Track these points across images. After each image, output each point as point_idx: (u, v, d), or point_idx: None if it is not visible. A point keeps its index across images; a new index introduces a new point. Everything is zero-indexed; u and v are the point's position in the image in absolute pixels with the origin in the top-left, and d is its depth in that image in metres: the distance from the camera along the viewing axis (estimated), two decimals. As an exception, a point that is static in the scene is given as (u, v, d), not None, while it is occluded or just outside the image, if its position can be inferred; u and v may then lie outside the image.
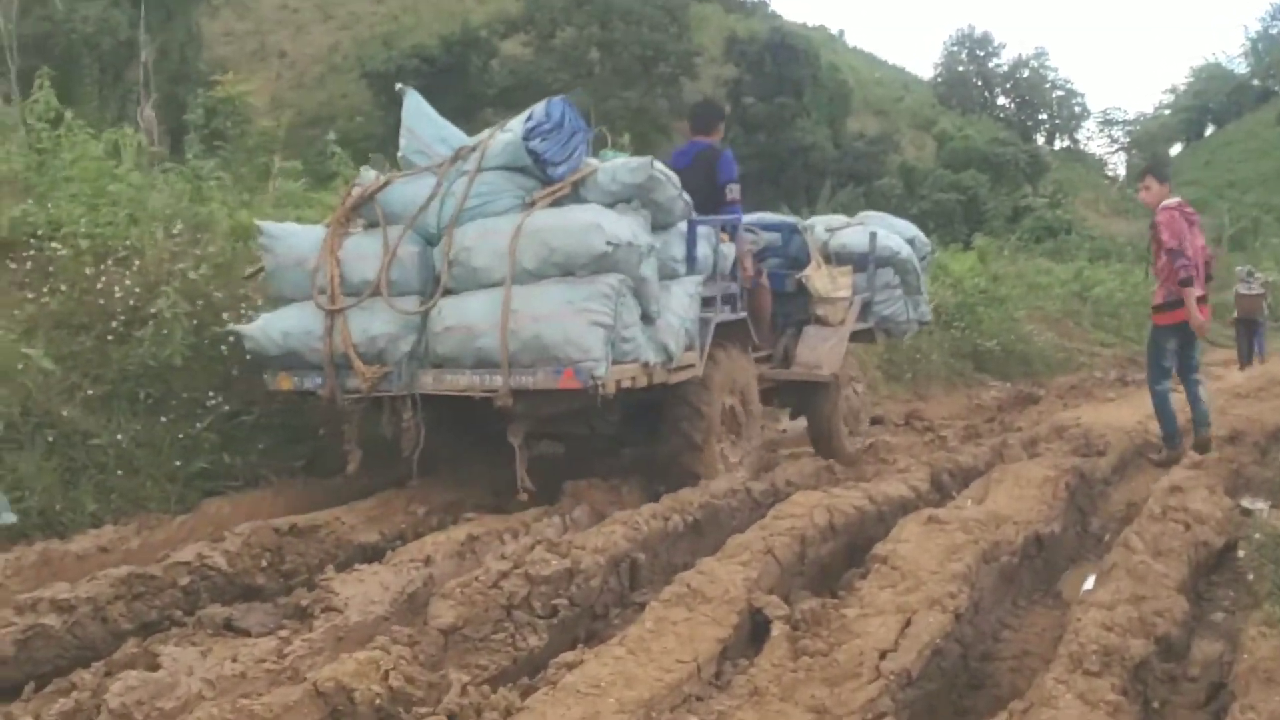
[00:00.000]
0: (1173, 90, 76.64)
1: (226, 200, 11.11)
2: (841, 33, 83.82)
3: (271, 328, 8.31)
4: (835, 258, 11.43)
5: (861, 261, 11.52)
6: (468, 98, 46.89)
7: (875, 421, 13.10)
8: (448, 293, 7.94)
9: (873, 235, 11.62)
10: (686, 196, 8.57)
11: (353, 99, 49.17)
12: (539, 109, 8.31)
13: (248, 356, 8.42)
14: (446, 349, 7.87)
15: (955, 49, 72.46)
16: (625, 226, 7.81)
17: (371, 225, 8.37)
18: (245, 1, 57.00)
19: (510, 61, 48.49)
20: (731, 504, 7.84)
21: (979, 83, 71.46)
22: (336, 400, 8.17)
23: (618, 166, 8.17)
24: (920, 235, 12.73)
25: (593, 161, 8.40)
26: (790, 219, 11.95)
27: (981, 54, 72.37)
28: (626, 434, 9.54)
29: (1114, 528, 8.21)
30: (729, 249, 9.42)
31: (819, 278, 11.00)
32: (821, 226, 12.00)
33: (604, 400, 7.84)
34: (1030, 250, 39.62)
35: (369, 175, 8.79)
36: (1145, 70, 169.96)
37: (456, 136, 8.84)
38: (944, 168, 49.29)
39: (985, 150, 50.10)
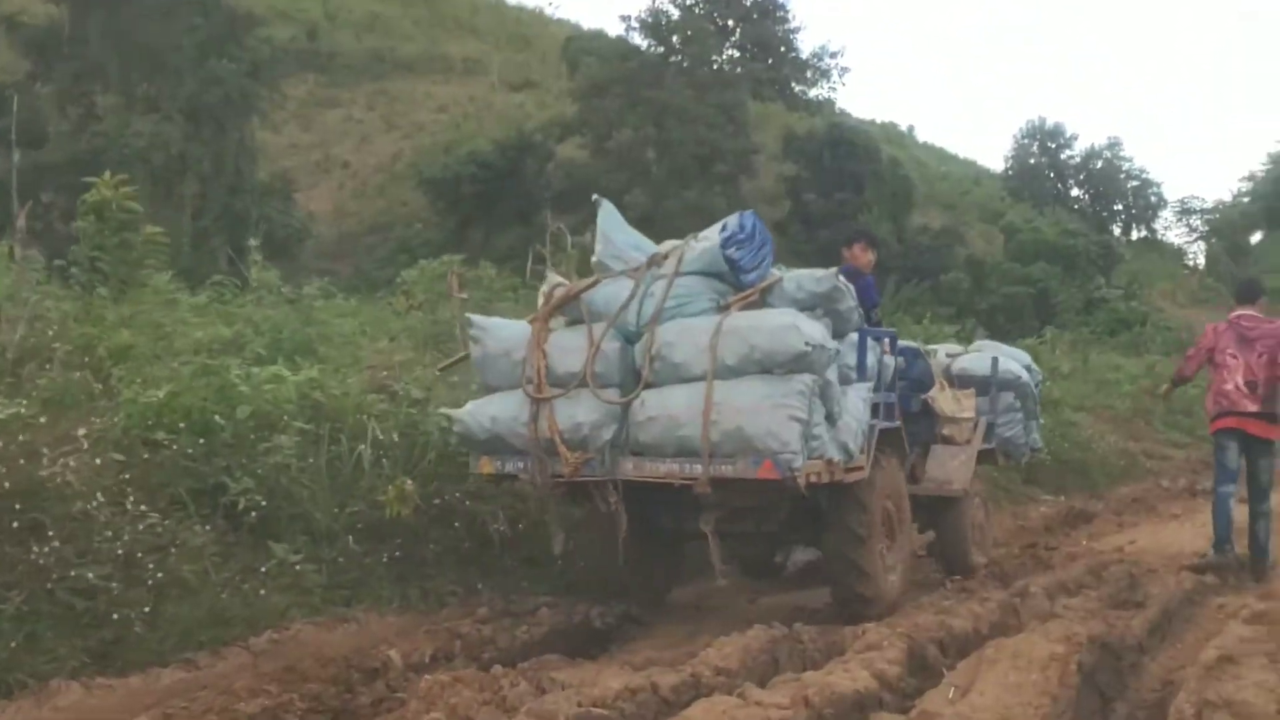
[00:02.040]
0: (1251, 177, 73.25)
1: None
2: (911, 129, 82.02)
3: (480, 413, 9.15)
4: (957, 381, 12.05)
5: (983, 386, 12.17)
6: (525, 200, 45.73)
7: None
8: (648, 386, 8.68)
9: (994, 360, 12.44)
10: (860, 309, 9.31)
11: (412, 206, 48.16)
12: (733, 221, 9.06)
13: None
14: (649, 437, 8.58)
15: (1026, 141, 70.25)
16: (817, 330, 8.52)
17: (573, 322, 9.25)
18: (310, 115, 56.44)
19: (566, 164, 47.21)
20: (626, 711, 5.94)
21: (1051, 174, 69.01)
22: (540, 484, 8.95)
23: (803, 276, 8.97)
24: (1033, 364, 13.44)
25: (777, 270, 9.15)
26: (914, 344, 12.18)
27: (1053, 145, 69.93)
28: (787, 537, 10.36)
29: (1143, 720, 6.28)
30: (889, 361, 10.08)
31: (944, 399, 11.51)
32: (943, 352, 12.81)
33: (787, 495, 8.63)
34: (1103, 343, 37.54)
35: (555, 279, 9.72)
36: (1223, 157, 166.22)
37: (647, 244, 9.69)
38: (1012, 260, 47.12)
39: (1055, 242, 47.88)
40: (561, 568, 9.99)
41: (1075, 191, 70.71)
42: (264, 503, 8.77)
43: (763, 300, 8.78)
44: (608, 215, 9.88)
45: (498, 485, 9.61)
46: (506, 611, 9.13)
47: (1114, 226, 68.39)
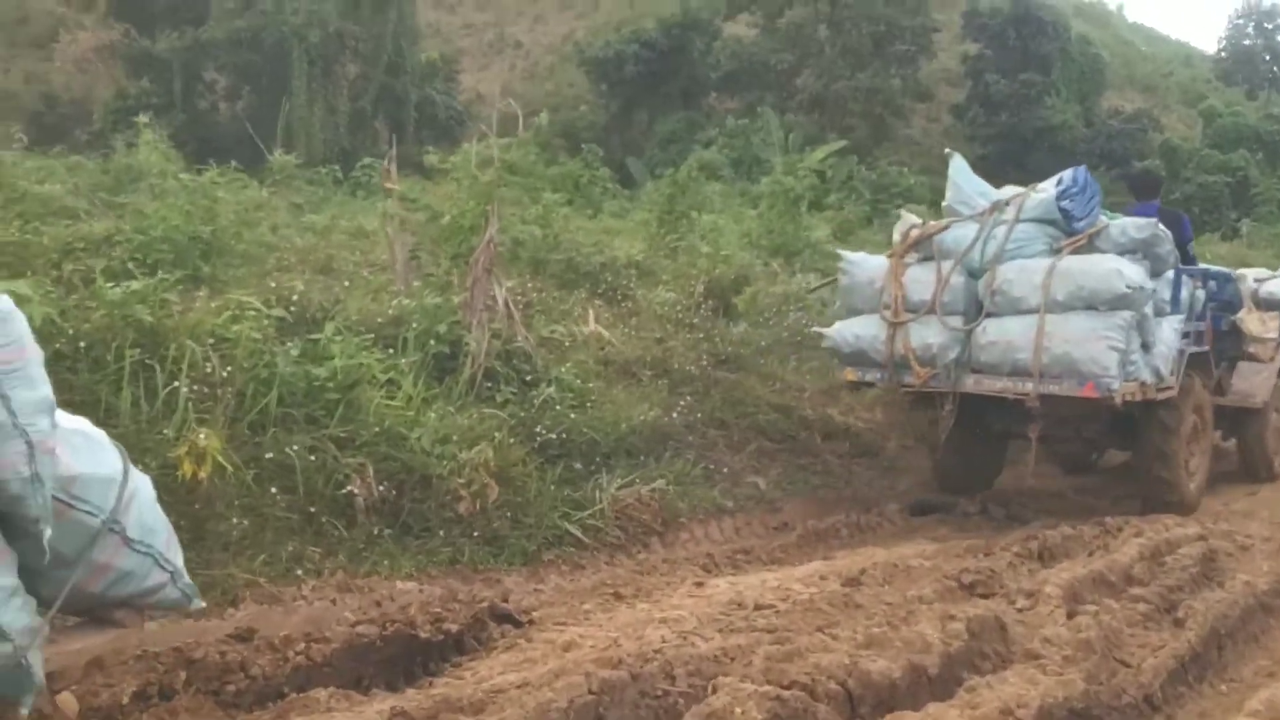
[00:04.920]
0: None
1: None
2: (1120, 7, 76.40)
3: (846, 331, 10.92)
4: (1263, 304, 13.08)
5: None
6: (690, 81, 43.29)
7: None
8: (989, 315, 10.23)
9: None
10: (1175, 250, 10.54)
11: (579, 88, 45.97)
12: (1067, 175, 10.60)
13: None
14: (988, 358, 10.16)
15: (1241, 22, 64.30)
16: (1137, 273, 9.87)
17: (925, 259, 10.70)
18: (489, -7, 54.76)
19: (732, 43, 44.32)
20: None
21: (1267, 58, 62.99)
22: (892, 390, 10.87)
23: (1126, 224, 10.30)
24: None
25: (1103, 218, 10.48)
26: (1225, 270, 13.16)
27: (1270, 26, 63.82)
28: (1104, 442, 12.11)
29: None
30: (1200, 294, 11.30)
31: (1251, 320, 12.55)
32: (1251, 276, 13.64)
33: (1104, 410, 10.06)
34: (1303, 240, 33.86)
35: (910, 219, 11.14)
36: None
37: (991, 192, 10.95)
38: (1210, 147, 42.86)
39: (1258, 127, 43.48)
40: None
41: (1294, 76, 64.86)
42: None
43: (1090, 245, 10.17)
44: (958, 166, 11.15)
45: (854, 391, 11.89)
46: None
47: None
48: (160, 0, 40.87)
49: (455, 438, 8.74)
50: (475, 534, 8.56)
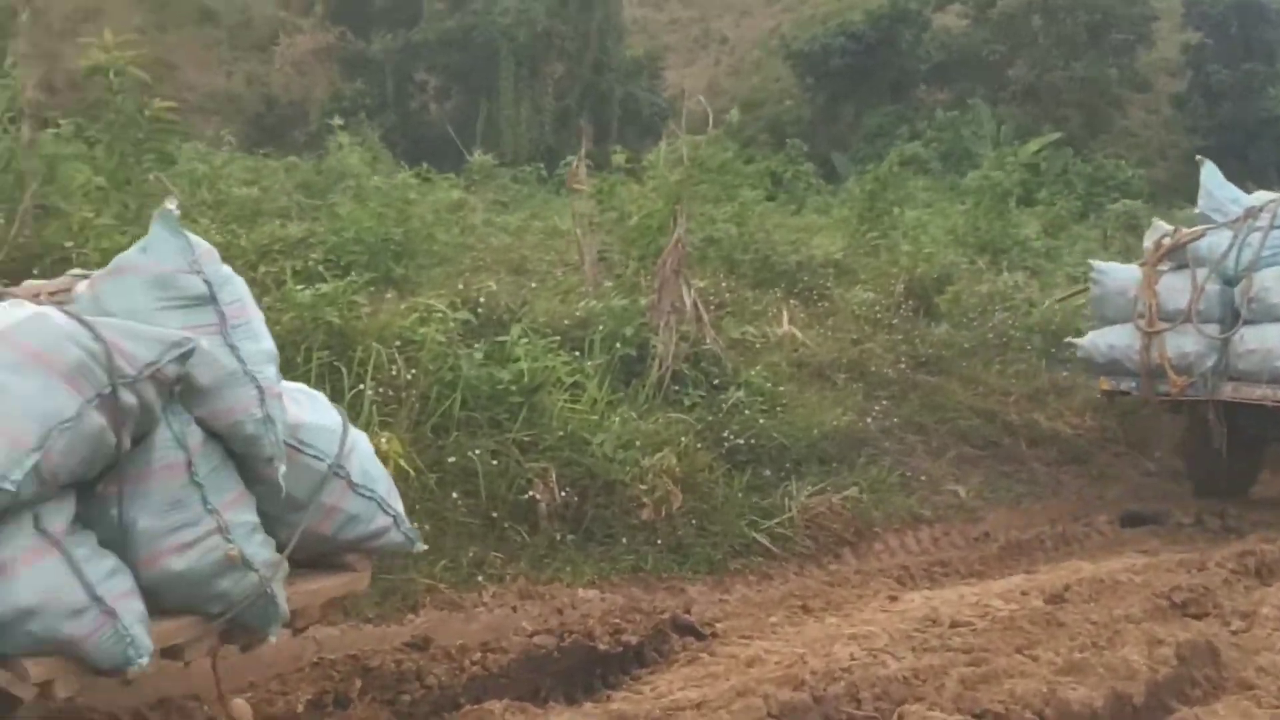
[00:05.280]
0: None
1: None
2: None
3: (1100, 341, 10.97)
4: None
5: None
6: (898, 74, 42.46)
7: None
8: (1246, 323, 10.13)
9: None
10: None
11: (784, 83, 45.51)
12: None
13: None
14: (1246, 366, 10.08)
15: None
16: None
17: (1178, 267, 10.62)
18: (693, -12, 54.62)
19: (942, 34, 43.36)
20: None
21: None
22: (1148, 399, 10.85)
23: None
24: None
25: None
26: None
27: None
28: None
29: None
30: None
31: None
32: None
33: None
34: None
35: (1162, 227, 11.08)
36: None
37: (1243, 198, 10.90)
38: None
39: None
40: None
41: None
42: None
43: None
44: (1210, 172, 11.13)
45: (1110, 401, 11.52)
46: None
47: None
48: (376, 2, 41.72)
49: (639, 443, 8.57)
50: (659, 541, 8.39)
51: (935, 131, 37.15)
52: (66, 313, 4.14)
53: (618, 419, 8.79)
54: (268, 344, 4.59)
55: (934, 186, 27.55)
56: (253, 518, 4.42)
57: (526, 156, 33.68)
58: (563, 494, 8.16)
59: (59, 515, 3.98)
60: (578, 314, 9.99)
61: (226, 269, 4.59)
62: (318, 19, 43.32)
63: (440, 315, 8.56)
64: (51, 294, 4.53)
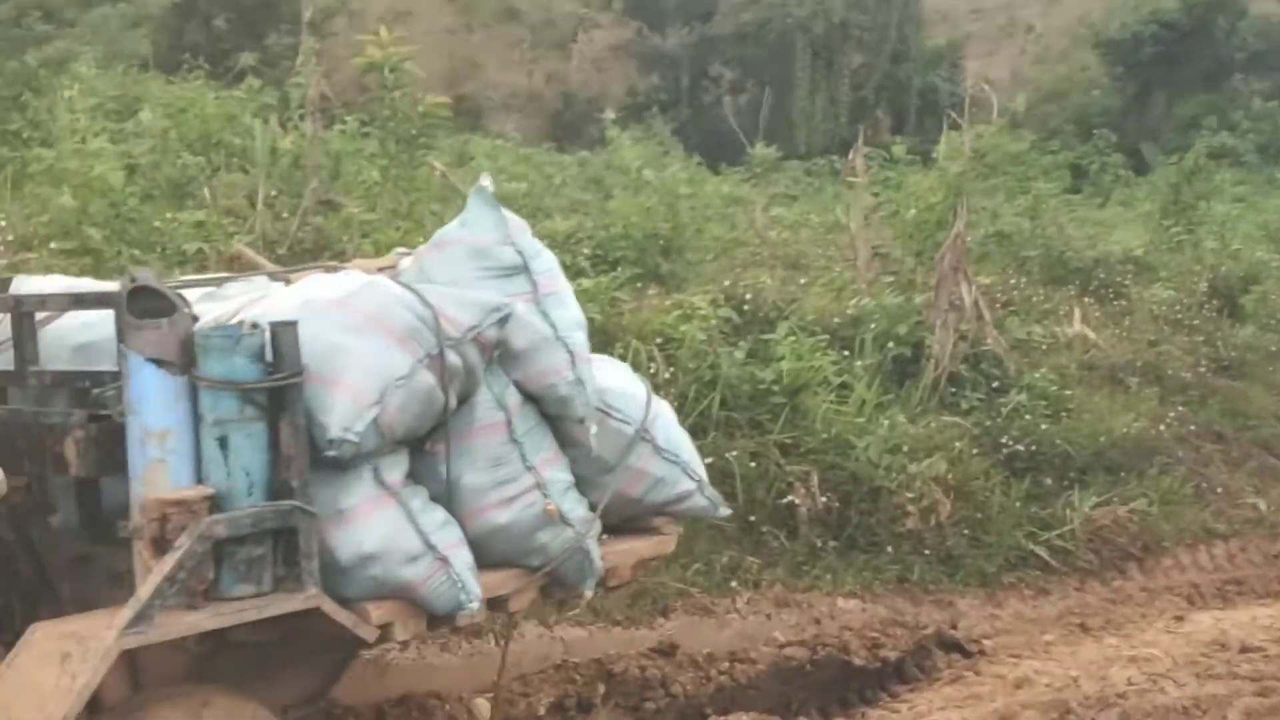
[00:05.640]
0: None
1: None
2: None
3: None
4: None
5: None
6: (1212, 63, 40.34)
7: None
8: None
9: None
10: None
11: (1092, 72, 43.78)
12: None
13: None
14: None
15: None
16: None
17: None
18: (1013, -27, 53.06)
19: (1260, 22, 40.99)
20: None
21: None
22: None
23: None
24: None
25: None
26: None
27: None
28: None
29: None
30: None
31: None
32: None
33: None
34: None
35: None
36: None
37: None
38: None
39: None
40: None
41: None
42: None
43: None
44: None
45: None
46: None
47: None
48: (672, -3, 42.03)
49: (907, 447, 8.19)
50: (927, 551, 8.03)
51: (1251, 122, 35.18)
52: (397, 280, 4.41)
53: (886, 422, 8.42)
54: (576, 312, 4.76)
55: (1249, 180, 25.96)
56: (567, 476, 4.61)
57: (821, 149, 33.36)
58: (824, 499, 7.90)
59: (395, 469, 4.23)
60: (849, 312, 9.64)
61: (537, 242, 4.79)
62: (616, 15, 43.86)
63: (703, 312, 8.33)
64: (380, 269, 4.76)
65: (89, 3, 24.95)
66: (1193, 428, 10.39)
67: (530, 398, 4.55)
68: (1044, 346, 10.61)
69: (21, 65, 15.97)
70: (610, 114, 15.25)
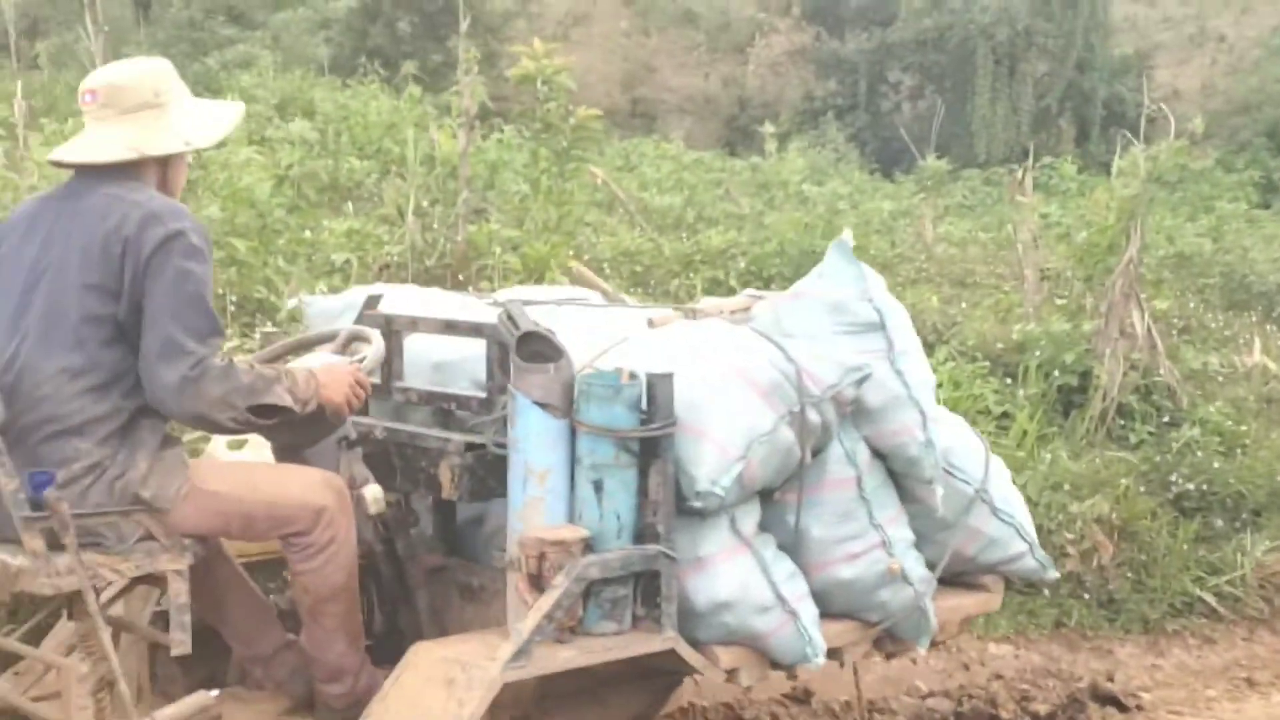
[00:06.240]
0: None
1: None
2: None
3: None
4: None
5: None
6: None
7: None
8: None
9: None
10: None
11: (1289, 84, 42.08)
12: None
13: None
14: None
15: None
16: None
17: None
18: (1189, -16, 51.47)
19: None
20: None
21: None
22: None
23: None
24: None
25: None
26: None
27: None
28: None
29: None
30: None
31: None
32: None
33: None
34: None
35: None
36: None
37: None
38: None
39: None
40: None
41: None
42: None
43: None
44: None
45: None
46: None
47: None
48: (852, 3, 41.53)
49: (1068, 485, 7.78)
50: (1087, 595, 7.61)
51: None
52: (760, 334, 4.56)
53: (1049, 456, 8.03)
54: (927, 371, 4.82)
55: None
56: (910, 535, 4.69)
57: (1001, 158, 32.73)
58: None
59: (749, 518, 4.37)
60: (1014, 337, 9.23)
61: (891, 298, 4.84)
62: (794, 20, 43.52)
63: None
64: (732, 312, 4.93)
65: (277, 5, 25.39)
66: (1379, 466, 9.72)
67: (878, 455, 4.63)
68: (1220, 377, 10.06)
69: (203, 67, 16.31)
70: (770, 127, 14.86)
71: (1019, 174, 10.74)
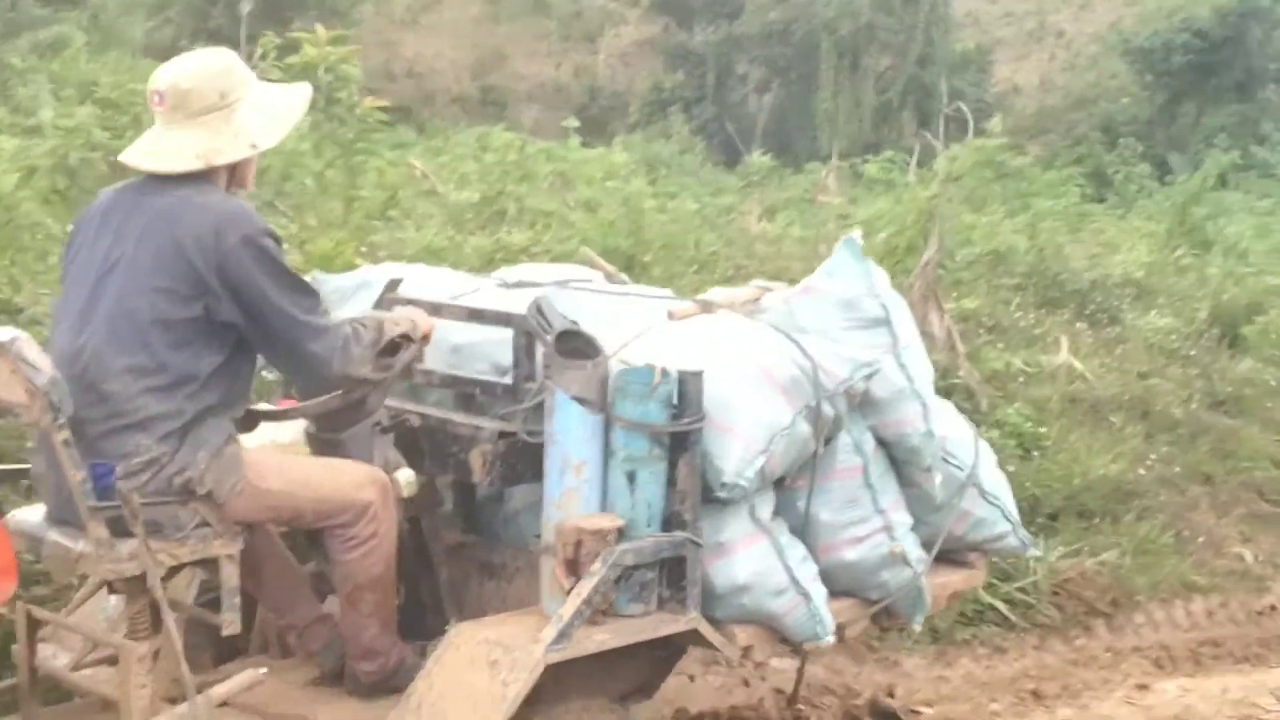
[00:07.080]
0: None
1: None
2: None
3: None
4: None
5: None
6: (1245, 73, 39.61)
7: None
8: None
9: None
10: None
11: (1121, 80, 43.07)
12: None
13: None
14: None
15: None
16: None
17: None
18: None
19: (1298, 32, 40.12)
20: None
21: None
22: None
23: None
24: None
25: None
26: None
27: None
28: None
29: None
30: None
31: None
32: None
33: None
34: None
35: None
36: None
37: None
38: None
39: None
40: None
41: None
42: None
43: None
44: None
45: None
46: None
47: None
48: (700, -5, 41.65)
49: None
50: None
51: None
52: (778, 329, 4.69)
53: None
54: (927, 364, 4.99)
55: (1276, 193, 25.10)
56: (909, 519, 4.86)
57: (844, 152, 32.93)
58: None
59: (766, 506, 4.54)
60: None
61: (896, 294, 4.99)
62: (644, 11, 43.41)
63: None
64: (743, 303, 5.00)
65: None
66: (1178, 470, 9.62)
67: (881, 444, 4.82)
68: (1023, 378, 9.94)
69: (12, 49, 15.54)
70: (573, 121, 14.48)
71: (824, 174, 10.55)
